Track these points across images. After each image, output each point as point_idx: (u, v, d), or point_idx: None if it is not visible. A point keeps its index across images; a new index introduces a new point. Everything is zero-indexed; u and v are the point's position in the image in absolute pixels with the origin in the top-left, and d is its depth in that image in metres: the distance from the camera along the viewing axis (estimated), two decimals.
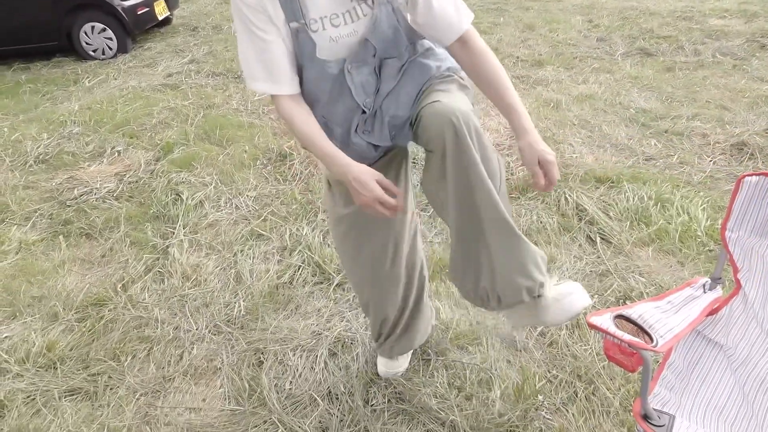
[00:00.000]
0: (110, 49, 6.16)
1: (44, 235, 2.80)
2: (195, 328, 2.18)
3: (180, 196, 2.98)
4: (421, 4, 1.19)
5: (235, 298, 2.32)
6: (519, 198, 2.93)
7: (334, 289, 2.34)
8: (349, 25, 1.18)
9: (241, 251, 2.60)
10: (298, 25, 1.14)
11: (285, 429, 1.73)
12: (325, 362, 1.97)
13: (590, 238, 2.58)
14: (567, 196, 2.86)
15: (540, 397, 1.77)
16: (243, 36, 1.16)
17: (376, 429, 1.71)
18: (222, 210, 2.92)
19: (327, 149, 1.21)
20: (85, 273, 2.53)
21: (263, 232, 2.71)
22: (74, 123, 4.06)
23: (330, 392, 1.85)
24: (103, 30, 6.08)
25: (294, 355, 2.00)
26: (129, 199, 3.06)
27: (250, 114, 4.11)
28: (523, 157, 1.21)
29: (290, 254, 2.55)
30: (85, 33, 6.08)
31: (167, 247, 2.64)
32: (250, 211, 2.92)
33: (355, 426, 1.73)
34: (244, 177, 3.21)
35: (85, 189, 3.14)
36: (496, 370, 1.88)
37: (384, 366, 1.87)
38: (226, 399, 1.87)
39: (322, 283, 2.39)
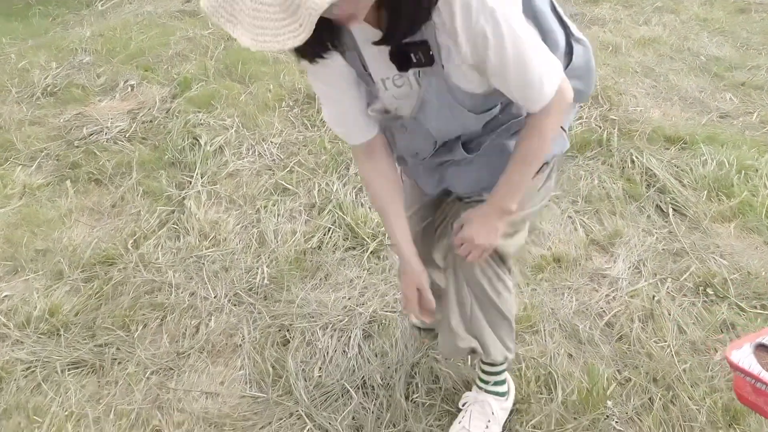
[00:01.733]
0: None
1: (50, 179, 2.55)
2: (213, 296, 1.94)
3: (198, 140, 2.69)
4: (493, 74, 0.96)
5: (257, 262, 2.07)
6: (576, 157, 2.59)
7: (368, 257, 2.07)
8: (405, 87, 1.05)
9: (265, 207, 2.33)
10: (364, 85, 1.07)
11: (314, 425, 1.51)
12: (359, 346, 1.73)
13: (661, 209, 2.26)
14: (634, 157, 2.51)
15: (609, 403, 1.52)
16: (316, 83, 1.11)
17: (419, 431, 1.48)
18: (244, 158, 2.63)
19: (393, 232, 1.21)
20: (94, 225, 2.29)
21: (289, 186, 2.43)
22: (85, 51, 3.72)
23: (365, 383, 1.62)
24: None
25: (324, 335, 1.77)
26: (142, 141, 2.78)
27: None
28: (465, 216, 1.19)
29: (319, 213, 2.28)
30: None
31: (183, 199, 2.38)
32: (274, 160, 2.62)
33: (395, 426, 1.50)
34: (268, 120, 2.89)
35: (95, 128, 2.86)
36: (556, 366, 1.63)
37: None
38: (247, 383, 1.66)
39: (354, 248, 2.12)
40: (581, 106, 2.96)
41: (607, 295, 1.88)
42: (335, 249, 2.12)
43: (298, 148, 2.70)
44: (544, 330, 1.76)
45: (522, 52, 0.91)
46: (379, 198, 1.20)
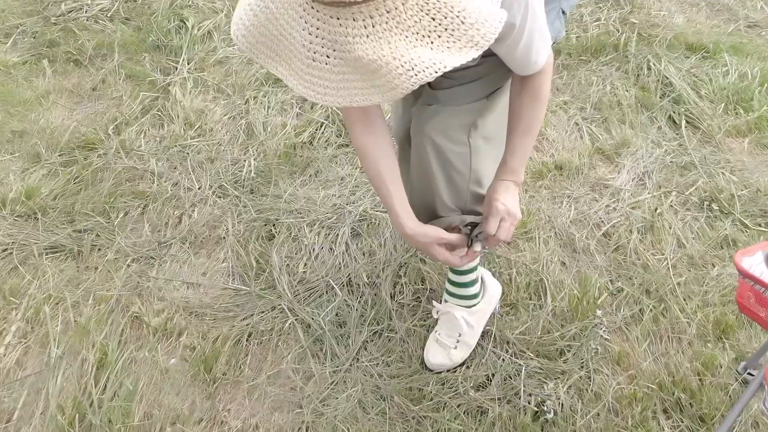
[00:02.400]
0: None
1: (27, 57, 2.39)
2: (197, 186, 1.86)
3: (185, 23, 2.50)
4: (505, 46, 0.92)
5: (245, 155, 1.97)
6: (590, 62, 2.42)
7: None
8: None
9: (254, 98, 2.19)
10: None
11: (296, 319, 1.48)
12: (347, 244, 1.67)
13: (673, 120, 2.13)
14: (651, 64, 2.34)
15: (599, 313, 1.48)
16: None
17: (402, 330, 1.46)
18: (234, 45, 2.45)
19: (386, 199, 1.08)
20: (73, 108, 2.17)
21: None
22: None
23: (350, 281, 1.57)
24: None
25: (310, 231, 1.70)
26: (125, 22, 2.58)
27: None
28: (488, 197, 1.10)
29: (311, 107, 2.15)
30: None
31: (168, 84, 2.23)
32: None
33: (378, 324, 1.47)
34: None
35: (74, 4, 2.65)
36: (548, 274, 1.58)
37: None
38: (229, 276, 1.61)
39: (347, 146, 2.01)
40: (599, 6, 2.74)
41: (607, 206, 1.81)
42: (327, 145, 2.02)
43: None
44: (539, 237, 1.69)
45: (532, 39, 0.91)
46: (376, 167, 1.06)
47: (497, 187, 1.08)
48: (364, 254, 1.64)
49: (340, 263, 1.62)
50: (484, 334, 1.44)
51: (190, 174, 1.90)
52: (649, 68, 2.34)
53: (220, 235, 1.72)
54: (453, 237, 1.11)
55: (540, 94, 1.04)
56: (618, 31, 2.57)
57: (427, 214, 1.17)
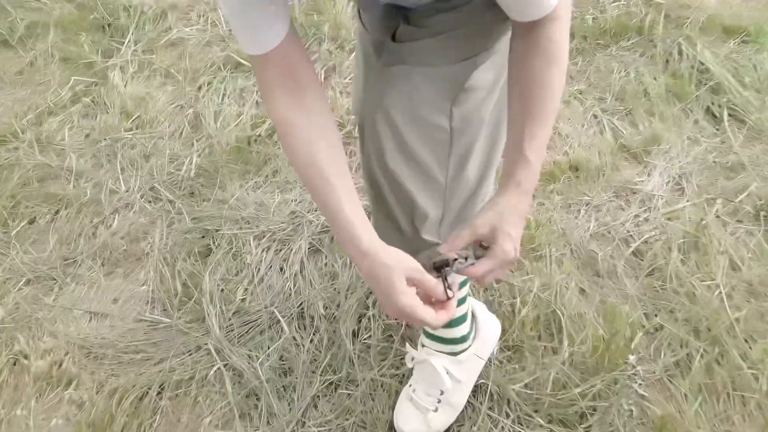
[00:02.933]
0: None
1: None
2: (124, 189, 1.50)
3: None
4: None
5: (188, 150, 1.61)
6: (609, 46, 2.05)
7: None
8: None
9: (209, 84, 1.83)
10: None
11: (225, 365, 1.11)
12: (302, 262, 1.30)
13: (712, 113, 1.76)
14: (683, 48, 1.97)
15: (632, 359, 1.10)
16: None
17: (366, 382, 1.08)
18: (193, 26, 2.10)
19: (338, 208, 0.66)
20: None
21: (243, 61, 1.92)
22: None
23: (302, 313, 1.20)
24: None
25: (257, 246, 1.33)
26: (75, 8, 2.23)
27: None
28: (484, 215, 0.68)
29: None
30: None
31: (107, 69, 1.88)
32: (230, 30, 2.09)
33: (334, 373, 1.10)
34: None
35: None
36: (563, 305, 1.20)
37: None
38: (147, 303, 1.24)
39: None
40: None
41: (636, 216, 1.43)
42: None
43: None
44: (550, 256, 1.32)
45: None
46: (308, 153, 0.68)
47: (503, 207, 0.68)
48: (323, 277, 1.27)
49: (290, 289, 1.24)
50: (477, 390, 1.06)
51: (117, 174, 1.54)
52: (680, 53, 1.96)
53: (143, 249, 1.35)
54: (431, 279, 0.66)
55: (557, 52, 0.68)
56: (641, 12, 2.20)
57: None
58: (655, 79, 1.88)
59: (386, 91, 0.76)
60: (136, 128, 1.68)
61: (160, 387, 1.09)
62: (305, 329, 1.17)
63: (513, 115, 0.72)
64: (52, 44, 1.97)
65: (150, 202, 1.46)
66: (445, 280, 0.66)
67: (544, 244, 1.35)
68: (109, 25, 2.05)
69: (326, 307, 1.20)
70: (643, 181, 1.53)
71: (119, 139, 1.64)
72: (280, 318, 1.18)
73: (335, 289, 1.24)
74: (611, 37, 2.10)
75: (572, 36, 2.07)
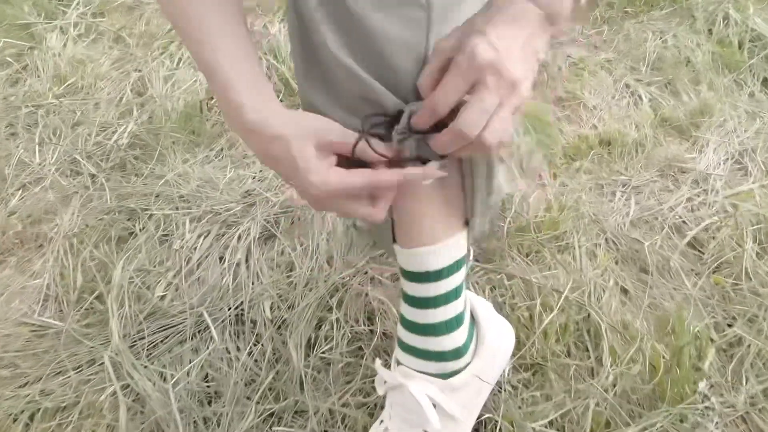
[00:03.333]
0: None
1: None
2: (37, 161, 1.19)
3: None
4: None
5: (125, 119, 1.31)
6: (639, 15, 1.74)
7: None
8: None
9: (164, 49, 1.54)
10: None
11: (124, 386, 0.79)
12: (249, 250, 0.98)
13: None
14: (730, 13, 1.66)
15: (702, 386, 0.77)
16: None
17: (321, 413, 0.75)
18: None
19: (204, 50, 0.48)
20: None
21: None
22: None
23: (241, 315, 0.88)
24: None
25: (193, 229, 1.02)
26: None
27: None
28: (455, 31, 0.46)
29: None
30: None
31: (46, 31, 1.59)
32: None
33: (276, 400, 0.77)
34: None
35: None
36: (599, 308, 0.87)
37: None
38: (39, 301, 0.93)
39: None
40: None
41: (689, 199, 1.10)
42: None
43: None
44: (580, 247, 0.99)
45: None
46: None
47: (481, 13, 0.46)
48: (273, 268, 0.95)
49: (228, 284, 0.92)
50: (480, 427, 0.73)
51: (34, 143, 1.23)
52: (726, 18, 1.65)
53: (45, 232, 1.04)
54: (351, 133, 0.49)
55: None
56: None
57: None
58: (698, 46, 1.57)
59: None
60: (70, 94, 1.39)
61: (29, 417, 0.77)
62: (242, 338, 0.85)
63: None
64: None
65: (66, 176, 1.16)
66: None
67: (571, 232, 1.02)
68: None
69: (274, 308, 0.88)
70: (694, 158, 1.21)
71: (44, 105, 1.34)
72: (210, 323, 0.85)
73: (290, 284, 0.92)
74: (641, 5, 1.80)
75: (596, 3, 1.78)
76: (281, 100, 1.37)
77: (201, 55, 0.48)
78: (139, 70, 1.45)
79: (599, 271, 0.95)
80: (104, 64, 1.47)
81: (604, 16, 1.75)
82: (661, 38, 1.62)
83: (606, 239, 1.02)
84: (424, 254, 0.59)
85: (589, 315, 0.85)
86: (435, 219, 0.58)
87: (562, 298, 0.87)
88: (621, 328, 0.85)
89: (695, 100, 1.37)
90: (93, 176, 1.15)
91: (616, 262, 0.97)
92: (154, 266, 0.95)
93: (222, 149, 1.24)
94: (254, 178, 1.16)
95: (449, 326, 0.63)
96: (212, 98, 1.34)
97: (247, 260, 0.96)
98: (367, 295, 0.88)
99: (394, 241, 0.62)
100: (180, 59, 1.50)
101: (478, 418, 0.71)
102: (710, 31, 1.66)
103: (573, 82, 1.48)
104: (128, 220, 1.06)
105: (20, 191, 1.12)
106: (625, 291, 0.92)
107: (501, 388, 0.76)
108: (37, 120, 1.30)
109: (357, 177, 0.48)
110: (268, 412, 0.76)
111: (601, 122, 1.32)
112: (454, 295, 0.62)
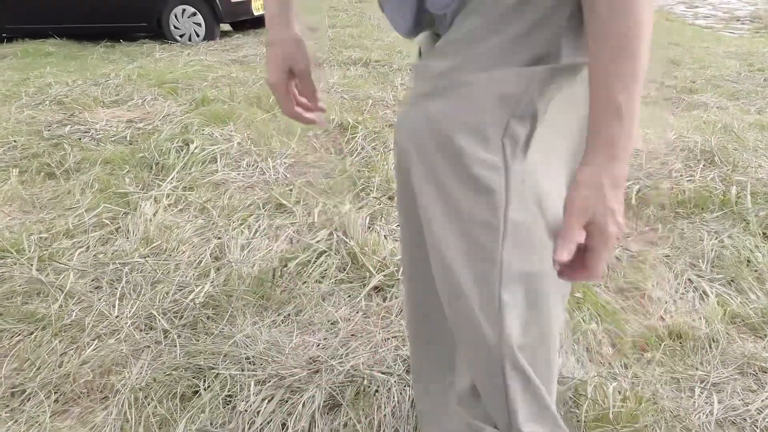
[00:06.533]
0: (197, 35, 5.73)
1: (0, 165, 2.03)
2: (114, 314, 1.24)
3: (188, 145, 2.14)
4: None
5: (203, 279, 1.38)
6: (691, 216, 1.82)
7: (368, 294, 1.34)
8: None
9: (243, 220, 1.67)
10: None
11: None
12: (313, 419, 0.95)
13: None
14: None
15: None
16: None
17: None
18: (240, 171, 2.04)
19: None
20: (15, 215, 1.70)
21: (285, 202, 1.78)
22: (117, 76, 3.43)
23: None
24: (194, 14, 5.69)
25: (257, 392, 1.00)
26: (128, 145, 2.26)
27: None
28: (568, 195, 0.52)
29: (313, 233, 1.59)
30: (175, 16, 5.71)
31: (141, 200, 1.77)
32: (278, 178, 2.01)
33: None
34: (285, 142, 2.33)
35: (81, 127, 2.39)
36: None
37: None
38: None
39: (351, 282, 1.40)
40: None
41: None
42: (323, 278, 1.40)
43: (313, 170, 2.09)
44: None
45: None
46: None
47: (596, 178, 0.51)
48: None
49: None
50: None
51: (115, 299, 1.30)
52: None
53: (112, 384, 1.04)
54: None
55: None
56: (720, 187, 2.01)
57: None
58: (756, 247, 1.59)
59: (416, 105, 0.55)
60: (154, 255, 1.49)
61: None
62: None
63: (591, 68, 0.50)
64: (93, 176, 1.91)
65: (141, 330, 1.19)
66: None
67: (652, 427, 0.96)
68: (156, 164, 2.01)
69: None
70: None
71: (129, 263, 1.43)
72: None
73: None
74: (691, 208, 1.88)
75: (647, 204, 1.87)
76: (341, 272, 1.43)
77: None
78: (219, 238, 1.57)
79: None
80: (188, 231, 1.60)
81: (657, 215, 1.83)
82: (717, 238, 1.66)
83: None
84: None
85: None
86: None
87: None
88: None
89: (764, 298, 1.36)
90: (166, 332, 1.18)
91: None
92: (217, 428, 0.92)
93: (289, 314, 1.28)
94: (319, 345, 1.17)
95: None
96: (285, 266, 1.41)
97: (310, 429, 0.92)
98: None
99: None
100: (256, 230, 1.62)
101: None
102: (765, 234, 1.70)
103: (633, 274, 1.50)
104: (194, 377, 1.06)
105: (95, 341, 1.16)
106: None
107: None
108: (121, 276, 1.38)
109: (281, 98, 0.69)
110: None
111: (668, 314, 1.31)
112: None
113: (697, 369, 1.13)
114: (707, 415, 1.00)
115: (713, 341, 1.20)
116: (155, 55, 4.73)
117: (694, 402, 1.04)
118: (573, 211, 0.51)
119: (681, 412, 1.00)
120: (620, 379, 1.08)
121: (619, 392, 1.01)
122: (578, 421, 0.95)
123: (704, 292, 1.40)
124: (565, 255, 0.50)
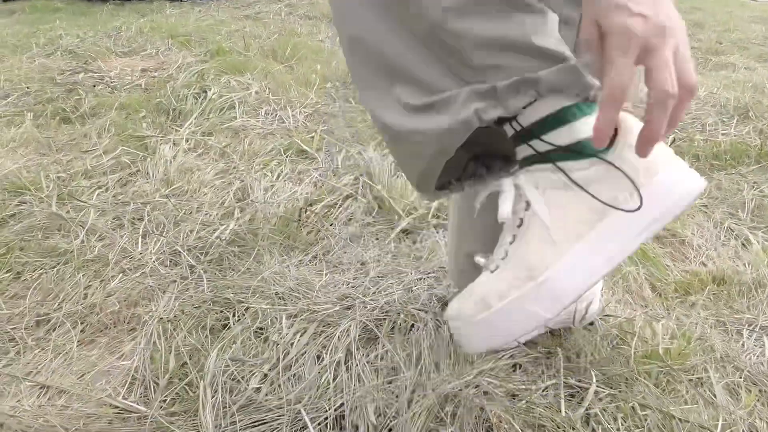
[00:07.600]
0: None
1: (14, 110, 1.99)
2: (138, 250, 1.21)
3: (206, 92, 2.08)
4: None
5: (227, 218, 1.34)
6: (727, 168, 1.75)
7: (397, 236, 1.29)
8: None
9: (265, 165, 1.62)
10: None
11: None
12: (349, 351, 0.91)
13: None
14: None
15: None
16: None
17: None
18: (259, 118, 1.98)
19: None
20: (32, 156, 1.66)
21: (307, 148, 1.73)
22: (128, 29, 3.35)
23: (341, 418, 0.79)
24: None
25: (290, 325, 0.97)
26: (144, 92, 2.20)
27: (334, 42, 3.21)
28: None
29: (338, 178, 1.54)
30: None
31: (159, 143, 1.72)
32: (297, 126, 1.95)
33: None
34: (303, 92, 2.26)
35: (95, 75, 2.33)
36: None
37: None
38: (126, 384, 0.87)
39: (378, 224, 1.35)
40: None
41: None
42: (350, 220, 1.36)
43: (333, 120, 2.03)
44: (714, 383, 0.88)
45: None
46: None
47: None
48: (376, 372, 0.87)
49: (328, 382, 0.85)
50: None
51: (138, 236, 1.26)
52: None
53: (139, 315, 1.01)
54: None
55: None
56: (758, 140, 1.94)
57: None
58: None
59: None
60: (176, 195, 1.45)
61: None
62: None
63: None
64: (109, 120, 1.86)
65: (165, 266, 1.16)
66: None
67: (700, 366, 0.92)
68: (173, 109, 1.96)
69: (379, 414, 0.79)
70: None
71: (151, 202, 1.39)
72: (308, 421, 0.77)
73: (393, 390, 0.83)
74: (727, 161, 1.81)
75: (682, 154, 1.81)
76: (367, 215, 1.39)
77: None
78: (242, 180, 1.52)
79: (746, 412, 0.83)
80: (209, 173, 1.55)
81: (692, 165, 1.77)
82: (756, 189, 1.60)
83: (744, 377, 0.91)
84: None
85: None
86: None
87: None
88: None
89: None
90: (192, 267, 1.14)
91: (763, 403, 0.85)
92: (251, 356, 0.89)
93: (316, 255, 1.23)
94: (349, 284, 1.13)
95: None
96: (310, 205, 1.37)
97: (347, 361, 0.89)
98: (482, 409, 0.78)
99: None
100: (279, 174, 1.57)
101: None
102: None
103: (671, 223, 1.45)
104: (224, 310, 1.03)
105: (120, 275, 1.12)
106: None
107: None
108: (143, 216, 1.34)
109: None
110: None
111: (710, 261, 1.26)
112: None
113: (744, 313, 1.09)
114: (758, 356, 0.96)
115: (759, 286, 1.16)
116: (166, 12, 4.62)
117: (743, 344, 0.99)
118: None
119: (731, 355, 0.96)
120: (666, 319, 1.04)
121: (668, 330, 0.97)
122: (626, 358, 0.90)
123: (746, 239, 1.35)
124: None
